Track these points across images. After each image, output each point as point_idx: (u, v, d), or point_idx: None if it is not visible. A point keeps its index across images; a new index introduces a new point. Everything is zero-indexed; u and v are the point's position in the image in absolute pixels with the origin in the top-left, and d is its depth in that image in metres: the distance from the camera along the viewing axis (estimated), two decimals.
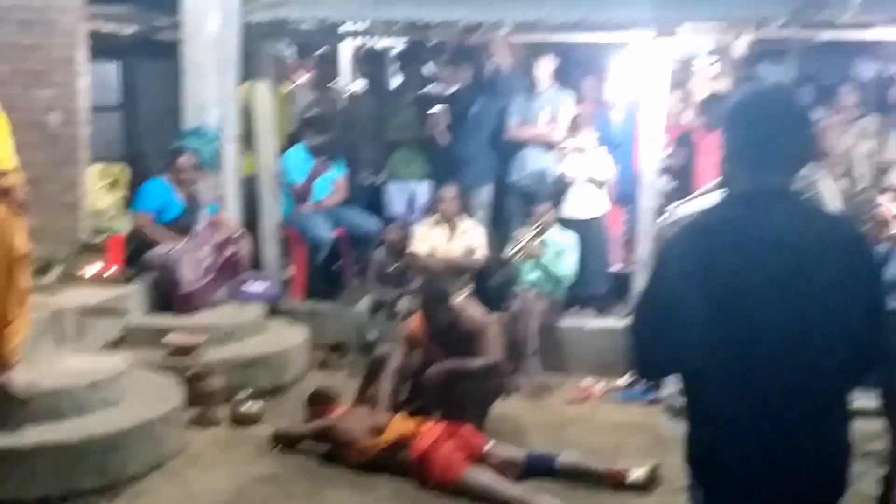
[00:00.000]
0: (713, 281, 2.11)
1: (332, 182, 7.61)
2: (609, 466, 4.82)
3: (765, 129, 2.22)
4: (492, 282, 7.05)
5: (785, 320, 2.13)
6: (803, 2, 6.71)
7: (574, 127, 7.36)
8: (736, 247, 2.13)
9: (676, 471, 2.38)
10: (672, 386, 5.77)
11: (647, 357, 2.28)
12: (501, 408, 5.68)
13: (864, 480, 4.17)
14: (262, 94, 7.49)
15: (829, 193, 6.20)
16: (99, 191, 7.22)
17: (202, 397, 5.39)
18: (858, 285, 2.21)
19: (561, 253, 6.89)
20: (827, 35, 6.95)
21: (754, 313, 2.12)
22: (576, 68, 8.03)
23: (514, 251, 6.80)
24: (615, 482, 4.73)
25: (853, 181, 7.07)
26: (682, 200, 5.85)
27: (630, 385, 6.48)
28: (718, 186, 2.52)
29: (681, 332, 2.16)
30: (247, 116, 7.52)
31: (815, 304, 2.14)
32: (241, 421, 5.44)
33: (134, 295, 6.24)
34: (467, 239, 7.07)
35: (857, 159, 7.09)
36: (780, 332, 2.13)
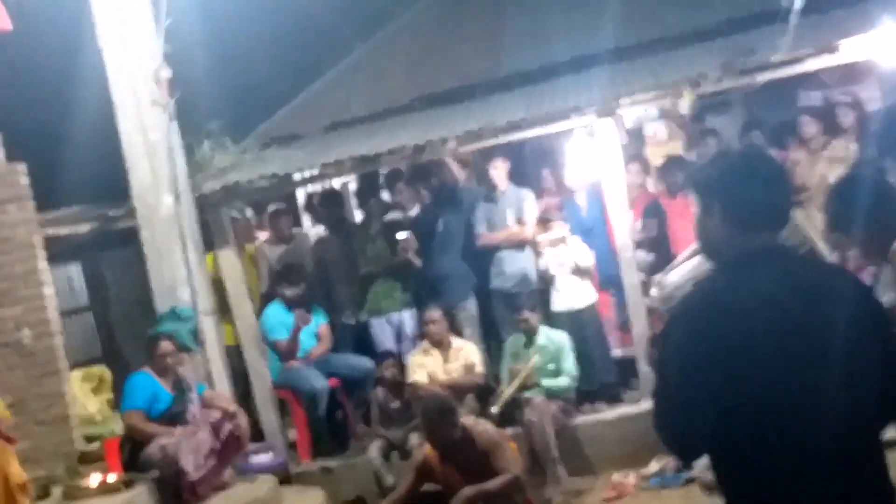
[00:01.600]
0: (722, 351, 2.08)
1: (316, 332, 7.51)
2: None
3: (752, 190, 2.21)
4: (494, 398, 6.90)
5: (800, 380, 2.08)
6: (733, 51, 6.79)
7: (544, 221, 7.35)
8: (740, 313, 2.11)
9: None
10: (703, 461, 5.59)
11: (679, 440, 2.24)
12: None
13: None
14: (228, 260, 7.46)
15: (813, 233, 6.14)
16: (85, 397, 7.06)
17: None
18: (868, 329, 2.17)
19: (558, 353, 6.79)
20: (764, 77, 7.00)
21: (769, 378, 2.08)
22: (531, 164, 8.06)
23: (506, 394, 6.65)
24: None
25: None
26: (666, 270, 5.77)
27: (661, 470, 6.30)
28: (701, 251, 2.47)
29: (703, 408, 2.11)
30: (218, 286, 7.46)
31: (828, 357, 2.09)
32: None
33: (140, 498, 6.01)
34: (463, 357, 6.98)
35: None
36: (797, 392, 2.08)
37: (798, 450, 2.09)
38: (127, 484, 6.10)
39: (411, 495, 5.33)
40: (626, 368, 7.17)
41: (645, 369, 6.51)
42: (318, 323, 7.55)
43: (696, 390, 2.11)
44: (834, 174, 6.83)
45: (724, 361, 2.08)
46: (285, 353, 7.37)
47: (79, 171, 8.42)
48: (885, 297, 4.19)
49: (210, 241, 7.46)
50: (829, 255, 4.68)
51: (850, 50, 6.53)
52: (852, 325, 2.13)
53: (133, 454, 6.30)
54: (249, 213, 8.52)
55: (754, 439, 2.11)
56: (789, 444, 2.09)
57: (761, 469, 2.11)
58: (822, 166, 6.99)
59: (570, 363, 6.80)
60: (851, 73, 7.63)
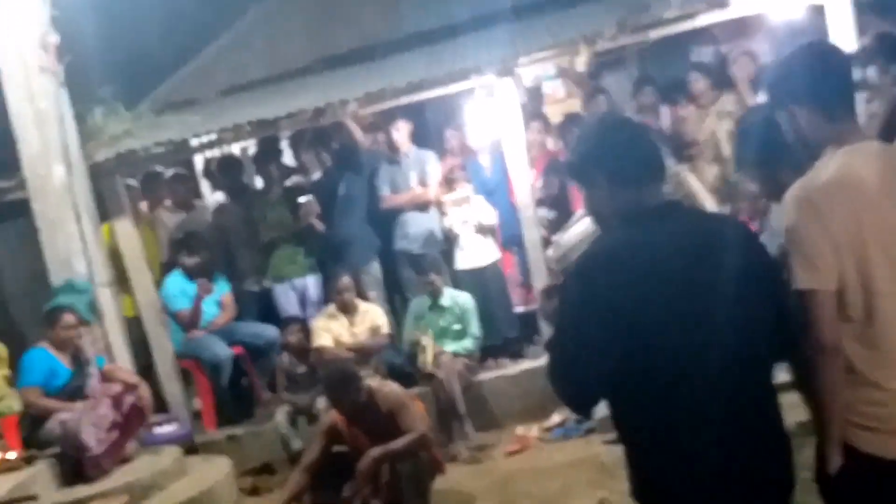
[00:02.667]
0: (618, 305, 2.15)
1: (219, 300, 7.42)
2: None
3: (625, 149, 2.34)
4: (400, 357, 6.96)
5: (694, 329, 2.16)
6: (627, 8, 6.87)
7: (448, 181, 7.38)
8: (634, 268, 2.18)
9: (626, 499, 2.37)
10: (603, 411, 5.73)
11: (572, 391, 2.30)
12: (444, 480, 5.58)
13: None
14: (124, 230, 7.29)
15: (697, 186, 6.29)
16: None
17: None
18: (757, 275, 2.26)
19: (463, 314, 6.88)
20: (657, 34, 7.10)
21: (663, 328, 2.15)
22: (432, 125, 8.06)
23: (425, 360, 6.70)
24: None
25: (724, 162, 7.19)
26: (562, 229, 5.86)
27: (562, 422, 6.44)
28: (597, 226, 2.52)
29: (597, 360, 2.18)
30: (116, 257, 7.30)
31: (720, 305, 2.17)
32: None
33: (42, 474, 5.91)
34: (369, 320, 6.99)
35: (722, 140, 7.22)
36: (691, 341, 2.16)
37: (693, 397, 2.17)
38: (27, 461, 6.01)
39: (322, 459, 5.34)
40: (528, 324, 7.28)
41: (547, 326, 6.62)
42: (221, 291, 7.45)
43: (592, 342, 2.18)
44: (722, 128, 7.02)
45: (619, 312, 2.15)
46: (188, 323, 7.26)
47: None
48: (772, 247, 4.34)
49: (105, 212, 7.28)
50: (715, 209, 4.81)
51: (740, 5, 6.68)
52: (741, 272, 2.22)
53: (32, 431, 6.20)
54: (146, 179, 8.28)
55: (651, 389, 2.18)
56: (685, 391, 2.17)
57: (659, 417, 2.19)
58: (710, 121, 7.13)
59: (474, 325, 6.90)
60: (742, 28, 7.78)
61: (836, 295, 2.28)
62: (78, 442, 5.91)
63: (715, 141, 7.03)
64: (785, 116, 2.48)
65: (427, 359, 6.65)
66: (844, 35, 6.40)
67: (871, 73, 5.94)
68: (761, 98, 6.78)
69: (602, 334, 2.16)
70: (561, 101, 8.22)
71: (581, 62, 7.75)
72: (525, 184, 7.19)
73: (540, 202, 7.39)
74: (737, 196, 6.47)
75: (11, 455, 6.04)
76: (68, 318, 6.32)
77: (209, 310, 7.35)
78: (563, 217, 7.47)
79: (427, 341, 6.70)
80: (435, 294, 6.91)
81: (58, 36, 6.83)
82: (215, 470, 6.30)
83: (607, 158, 2.34)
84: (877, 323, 2.30)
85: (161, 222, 7.95)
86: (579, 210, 5.95)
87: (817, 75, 2.41)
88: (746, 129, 2.80)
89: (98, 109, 7.44)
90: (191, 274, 7.30)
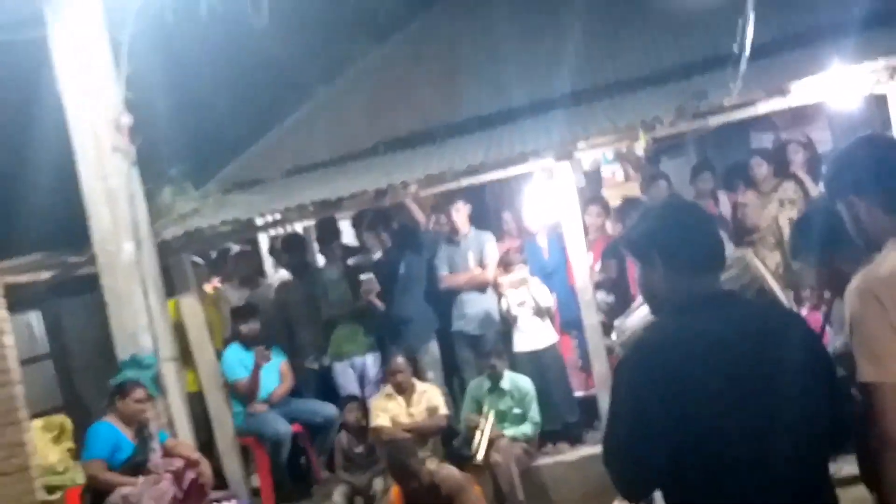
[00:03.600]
0: (671, 393, 2.14)
1: (277, 371, 7.49)
2: None
3: (686, 234, 2.32)
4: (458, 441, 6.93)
5: (747, 420, 2.16)
6: (686, 95, 6.94)
7: (506, 263, 7.43)
8: (688, 355, 2.17)
9: None
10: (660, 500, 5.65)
11: (626, 478, 2.28)
12: None
13: None
14: (189, 306, 7.43)
15: (763, 270, 6.25)
16: (45, 446, 6.97)
17: None
18: (808, 368, 2.24)
19: (523, 399, 6.86)
20: (716, 121, 7.16)
21: (717, 418, 2.15)
22: (491, 206, 8.15)
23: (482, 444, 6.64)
24: None
25: (785, 250, 7.17)
26: (626, 314, 5.85)
27: None
28: (649, 308, 2.52)
29: (651, 448, 2.17)
30: (180, 332, 7.43)
31: (774, 396, 2.17)
32: None
33: None
34: (426, 401, 6.99)
35: (784, 228, 7.21)
36: (744, 431, 2.15)
37: (747, 488, 2.16)
38: None
39: None
40: (588, 409, 7.23)
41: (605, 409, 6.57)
42: (279, 361, 7.54)
43: (646, 430, 2.17)
44: (784, 215, 7.01)
45: (674, 402, 2.14)
46: (246, 393, 7.33)
47: (39, 218, 8.38)
48: (837, 340, 4.30)
49: (171, 287, 7.43)
50: (782, 295, 4.78)
51: (800, 92, 6.69)
52: (798, 366, 2.21)
53: None
54: (211, 257, 8.47)
55: (705, 478, 2.17)
56: (739, 482, 2.16)
57: None
58: (772, 207, 7.14)
59: (534, 410, 6.87)
60: (802, 115, 7.82)
61: None
62: None
63: (776, 228, 7.02)
64: (844, 207, 2.47)
65: (480, 444, 6.57)
66: None
67: None
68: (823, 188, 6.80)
69: (654, 421, 2.15)
70: (620, 185, 8.29)
71: (640, 147, 7.82)
72: (583, 267, 7.21)
73: (598, 285, 7.40)
74: (800, 284, 6.43)
75: None
76: (139, 393, 6.40)
77: (268, 381, 7.41)
78: (621, 301, 7.49)
79: (485, 425, 6.66)
80: (495, 377, 6.90)
81: (131, 117, 7.05)
82: None
83: (667, 240, 2.34)
84: None
85: (225, 299, 8.10)
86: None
87: (878, 167, 2.40)
88: (805, 218, 2.81)
89: (167, 188, 7.66)
90: (247, 343, 7.39)
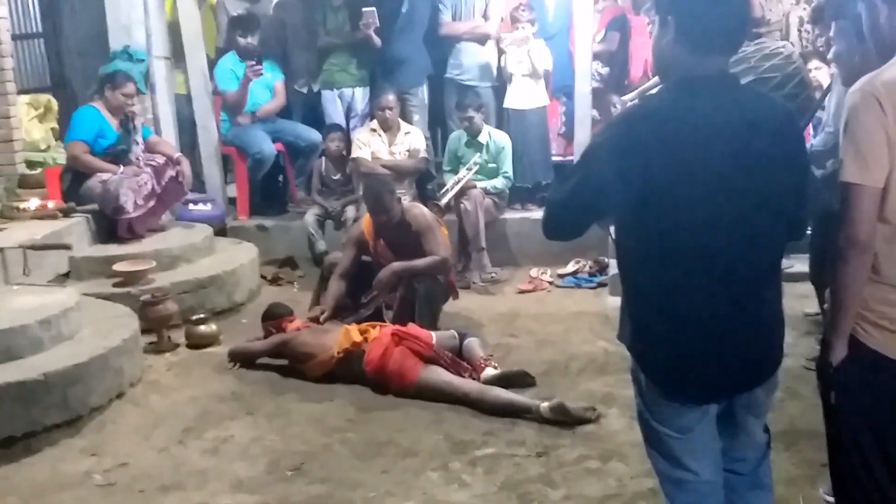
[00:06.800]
0: (650, 167, 2.13)
1: (271, 86, 7.49)
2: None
3: (707, 8, 2.19)
4: (432, 185, 7.09)
5: (720, 204, 2.18)
6: None
7: (513, 19, 7.32)
8: (676, 132, 2.16)
9: (624, 353, 2.46)
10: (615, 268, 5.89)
11: (563, 217, 2.35)
12: (454, 305, 5.79)
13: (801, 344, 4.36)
14: (188, 8, 7.30)
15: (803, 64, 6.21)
16: (30, 123, 7.05)
17: (157, 323, 5.38)
18: (789, 164, 2.27)
19: (499, 153, 6.95)
20: None
21: (691, 199, 2.17)
22: None
23: (446, 193, 6.76)
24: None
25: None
26: (639, 91, 5.86)
27: (576, 271, 6.65)
28: (654, 68, 2.48)
29: (601, 199, 2.23)
30: (175, 32, 7.35)
31: (750, 186, 2.19)
32: (198, 343, 5.45)
33: (77, 227, 6.15)
34: (408, 142, 7.09)
35: (792, 26, 7.10)
36: (715, 215, 2.18)
37: (702, 259, 2.20)
38: (65, 213, 6.23)
39: (352, 266, 5.57)
40: (563, 174, 7.32)
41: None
42: (275, 79, 7.52)
43: (605, 182, 2.18)
44: (796, 13, 6.89)
45: (653, 174, 2.14)
46: (233, 105, 7.34)
47: None
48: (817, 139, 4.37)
49: None
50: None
51: None
52: (778, 161, 2.23)
53: (73, 185, 6.40)
54: None
55: (662, 243, 2.21)
56: (694, 252, 2.20)
57: (664, 272, 2.23)
58: (785, 4, 6.99)
59: (507, 165, 6.98)
60: None
61: (881, 193, 2.28)
62: (115, 203, 6.13)
63: (785, 24, 6.91)
64: (865, 8, 2.43)
65: (450, 190, 6.71)
66: None
67: None
68: None
69: (618, 177, 2.15)
70: None
71: None
72: (586, 35, 7.15)
73: (596, 56, 7.36)
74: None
75: (51, 204, 6.27)
76: (129, 88, 6.41)
77: (260, 95, 7.40)
78: (616, 75, 7.49)
79: (465, 175, 6.80)
80: (473, 131, 6.97)
81: None
82: (242, 254, 6.52)
83: (687, 8, 2.21)
84: None
85: (224, 8, 7.94)
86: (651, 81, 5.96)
87: None
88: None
89: None
90: (243, 55, 7.30)
